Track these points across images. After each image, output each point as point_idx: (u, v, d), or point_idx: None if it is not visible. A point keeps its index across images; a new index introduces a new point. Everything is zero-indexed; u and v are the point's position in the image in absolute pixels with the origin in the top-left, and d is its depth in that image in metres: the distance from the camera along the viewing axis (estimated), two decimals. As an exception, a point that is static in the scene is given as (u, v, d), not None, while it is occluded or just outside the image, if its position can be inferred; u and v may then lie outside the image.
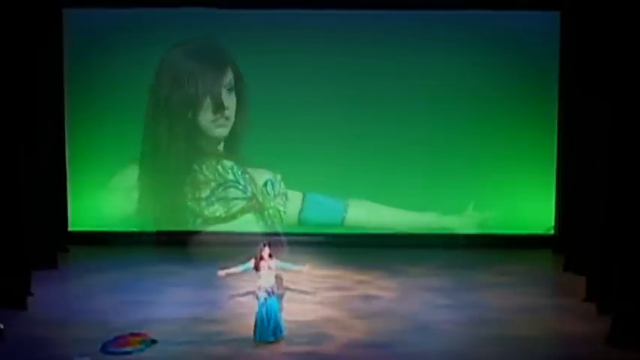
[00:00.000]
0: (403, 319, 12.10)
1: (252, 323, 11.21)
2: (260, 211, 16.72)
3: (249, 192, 16.70)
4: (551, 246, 16.23)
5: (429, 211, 16.56)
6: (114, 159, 16.58)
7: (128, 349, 10.71)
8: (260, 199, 16.70)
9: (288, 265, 11.66)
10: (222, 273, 11.64)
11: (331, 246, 16.16)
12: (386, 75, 16.43)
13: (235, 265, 11.44)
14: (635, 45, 11.81)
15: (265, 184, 16.68)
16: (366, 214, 16.68)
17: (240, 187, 16.67)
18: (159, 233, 16.72)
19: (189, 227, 16.80)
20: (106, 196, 16.61)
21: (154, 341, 10.94)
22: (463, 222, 16.56)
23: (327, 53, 16.40)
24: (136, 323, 11.61)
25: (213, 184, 16.70)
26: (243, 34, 16.38)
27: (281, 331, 11.16)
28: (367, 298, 13.24)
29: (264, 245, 11.24)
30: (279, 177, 16.65)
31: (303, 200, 16.74)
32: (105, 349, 10.70)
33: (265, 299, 11.04)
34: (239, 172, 16.62)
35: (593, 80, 13.65)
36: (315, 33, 16.44)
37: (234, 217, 16.75)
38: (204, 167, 16.70)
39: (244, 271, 11.42)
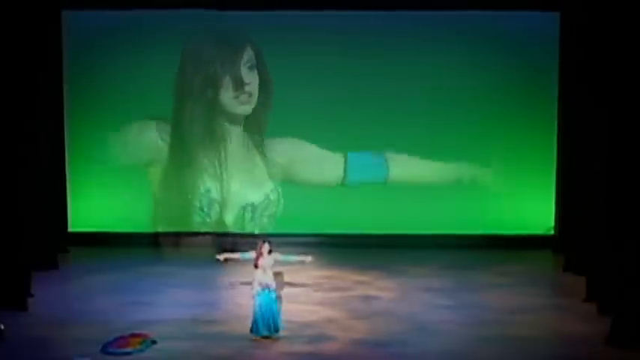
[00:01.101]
0: (403, 320, 12.10)
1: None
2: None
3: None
4: (551, 246, 16.25)
5: (430, 211, 16.58)
6: (114, 160, 16.59)
7: (128, 349, 10.70)
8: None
9: (290, 258, 11.64)
10: (221, 257, 11.75)
11: (331, 246, 16.16)
12: (384, 76, 16.44)
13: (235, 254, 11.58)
14: (635, 46, 11.81)
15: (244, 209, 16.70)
16: (407, 169, 16.58)
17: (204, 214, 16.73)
18: (159, 234, 16.74)
19: (190, 228, 16.83)
20: (106, 197, 16.61)
21: (154, 342, 10.93)
22: (463, 222, 16.55)
23: (326, 54, 16.43)
24: (136, 324, 11.61)
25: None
26: (244, 37, 16.39)
27: (277, 328, 11.14)
28: (367, 298, 13.24)
29: (264, 242, 11.27)
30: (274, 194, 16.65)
31: (345, 162, 16.62)
32: (105, 349, 10.69)
33: (260, 293, 11.06)
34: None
35: (593, 81, 13.64)
36: (315, 35, 16.44)
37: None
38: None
39: (243, 260, 11.47)
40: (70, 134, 16.52)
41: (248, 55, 16.49)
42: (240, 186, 16.75)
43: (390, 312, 12.52)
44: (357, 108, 16.53)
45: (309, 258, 11.83)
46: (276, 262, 11.35)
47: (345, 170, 16.61)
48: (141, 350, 10.72)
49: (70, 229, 16.58)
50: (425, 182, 16.58)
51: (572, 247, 14.71)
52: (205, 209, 16.71)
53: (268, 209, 16.74)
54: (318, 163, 16.59)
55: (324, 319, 12.06)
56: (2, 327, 11.10)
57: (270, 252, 11.19)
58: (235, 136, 16.69)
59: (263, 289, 11.07)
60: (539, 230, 16.60)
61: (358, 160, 16.58)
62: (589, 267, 13.14)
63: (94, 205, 16.64)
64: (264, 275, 11.11)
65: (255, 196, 16.76)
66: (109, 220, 16.64)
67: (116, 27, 16.38)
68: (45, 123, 15.10)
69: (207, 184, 16.69)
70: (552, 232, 16.53)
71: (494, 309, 12.64)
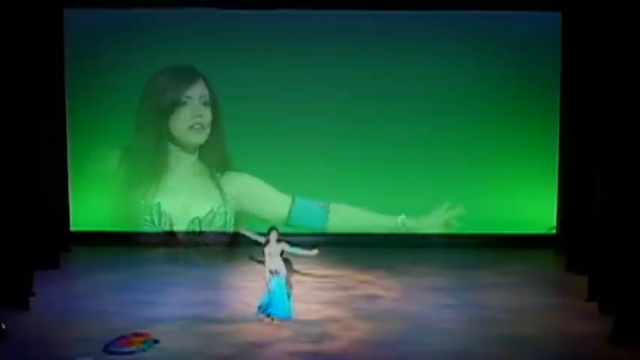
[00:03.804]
0: (406, 319, 12.11)
1: (255, 324, 11.42)
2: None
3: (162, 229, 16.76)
4: (553, 246, 16.24)
5: (431, 211, 16.58)
6: (115, 159, 16.59)
7: (131, 349, 10.69)
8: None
9: (297, 250, 12.09)
10: (243, 231, 12.65)
11: (332, 246, 16.14)
12: (385, 75, 16.43)
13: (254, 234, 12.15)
14: (637, 45, 11.80)
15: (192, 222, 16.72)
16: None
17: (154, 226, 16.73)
18: (161, 233, 16.74)
19: (190, 228, 16.83)
20: (108, 196, 16.61)
21: (156, 341, 10.93)
22: (465, 222, 16.55)
23: (325, 53, 16.39)
24: (138, 323, 11.60)
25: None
26: (245, 35, 16.39)
27: (287, 314, 11.63)
28: (370, 297, 13.24)
29: (271, 230, 11.73)
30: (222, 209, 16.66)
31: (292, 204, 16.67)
32: (107, 349, 10.68)
33: (271, 279, 11.57)
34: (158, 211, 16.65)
35: (595, 80, 13.65)
36: (314, 34, 16.41)
37: None
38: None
39: (258, 241, 12.13)
40: (71, 133, 16.51)
41: (202, 90, 16.45)
42: (190, 204, 16.72)
43: (393, 311, 12.53)
44: (355, 108, 16.47)
45: (315, 251, 12.23)
46: (285, 253, 11.84)
47: None
48: (143, 350, 10.71)
49: (71, 228, 16.57)
50: (425, 181, 16.58)
51: (574, 246, 14.71)
52: (156, 222, 16.68)
53: (214, 223, 16.69)
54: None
55: (327, 319, 12.05)
56: (4, 326, 11.10)
57: (278, 240, 11.66)
58: (188, 164, 16.67)
59: (273, 276, 11.52)
60: (541, 229, 16.60)
61: None
62: (591, 266, 13.14)
63: (95, 204, 16.64)
64: (271, 262, 11.53)
65: (201, 210, 16.70)
66: (111, 219, 16.64)
67: (118, 26, 16.36)
68: (46, 122, 15.07)
69: (158, 200, 16.67)
70: (554, 231, 16.52)
71: (497, 308, 12.65)
